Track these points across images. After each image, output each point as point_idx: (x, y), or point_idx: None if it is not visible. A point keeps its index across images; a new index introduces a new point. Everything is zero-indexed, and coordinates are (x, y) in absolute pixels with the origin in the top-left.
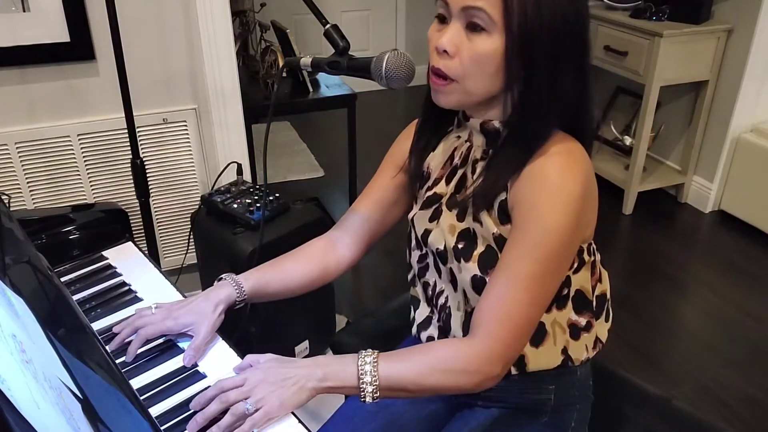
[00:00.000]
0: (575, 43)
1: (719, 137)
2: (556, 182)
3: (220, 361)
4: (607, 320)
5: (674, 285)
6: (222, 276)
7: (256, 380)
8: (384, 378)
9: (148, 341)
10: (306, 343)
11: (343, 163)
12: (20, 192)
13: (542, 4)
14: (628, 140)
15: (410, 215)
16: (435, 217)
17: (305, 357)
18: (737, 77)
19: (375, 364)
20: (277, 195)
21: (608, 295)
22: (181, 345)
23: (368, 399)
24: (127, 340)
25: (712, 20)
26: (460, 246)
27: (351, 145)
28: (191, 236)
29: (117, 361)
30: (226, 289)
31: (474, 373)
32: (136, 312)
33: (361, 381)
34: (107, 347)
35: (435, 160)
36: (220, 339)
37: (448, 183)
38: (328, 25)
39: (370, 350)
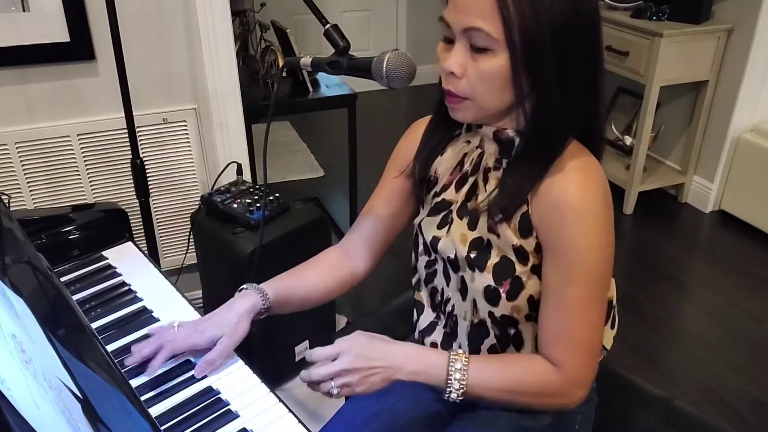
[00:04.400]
0: (582, 47)
1: (719, 137)
2: (580, 204)
3: (231, 377)
4: (612, 327)
5: (675, 285)
6: (243, 286)
7: (346, 364)
8: (472, 386)
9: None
10: (306, 343)
11: (343, 163)
12: (20, 192)
13: (540, 11)
14: (628, 140)
15: (417, 220)
16: (444, 224)
17: (305, 357)
18: (737, 77)
19: (465, 371)
20: (277, 195)
21: (615, 302)
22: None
23: (452, 397)
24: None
25: (712, 20)
26: (472, 255)
27: (351, 145)
28: (191, 236)
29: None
30: (251, 298)
31: (561, 396)
32: (155, 331)
33: (448, 384)
34: (126, 362)
35: (443, 165)
36: (236, 356)
37: (458, 190)
38: (328, 25)
39: (460, 351)
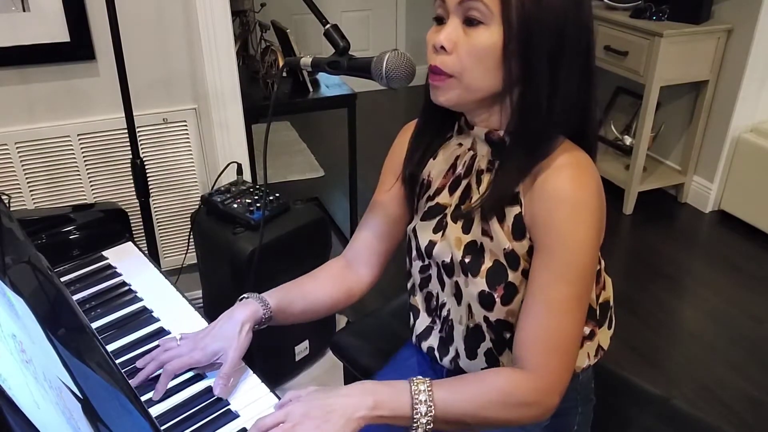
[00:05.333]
0: (577, 41)
1: (719, 137)
2: (573, 199)
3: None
4: (609, 327)
5: (674, 285)
6: (244, 295)
7: (299, 415)
8: (440, 408)
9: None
10: (306, 343)
11: (343, 163)
12: (20, 192)
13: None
14: (628, 140)
15: (410, 227)
16: (440, 228)
17: (305, 357)
18: (737, 77)
19: (430, 393)
20: (277, 195)
21: (611, 303)
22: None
23: (420, 430)
24: (152, 375)
25: (712, 20)
26: (467, 260)
27: (351, 145)
28: (191, 236)
29: (143, 398)
30: (251, 306)
31: (534, 405)
32: (160, 344)
33: (415, 411)
34: (130, 382)
35: (436, 169)
36: (247, 369)
37: (451, 193)
38: (328, 25)
39: (421, 377)
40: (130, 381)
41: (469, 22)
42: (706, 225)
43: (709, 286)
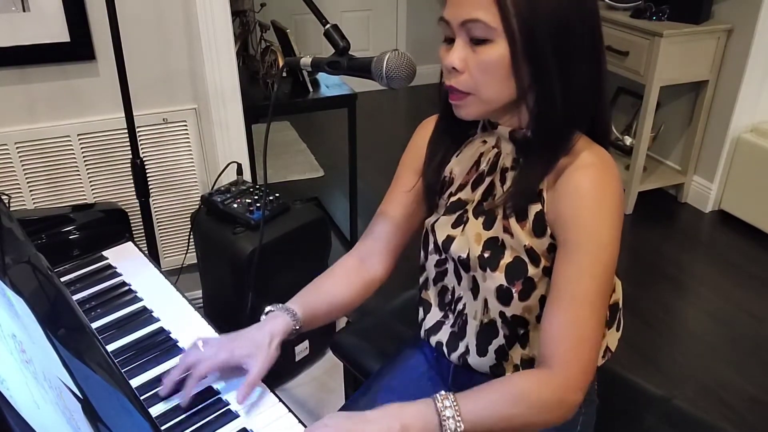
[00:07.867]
0: (583, 32)
1: (719, 137)
2: (597, 196)
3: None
4: (618, 329)
5: (674, 285)
6: (268, 309)
7: None
8: (469, 421)
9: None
10: (306, 343)
11: (343, 163)
12: (20, 192)
13: (536, 2)
14: (628, 140)
15: (429, 222)
16: (459, 223)
17: (305, 357)
18: (737, 77)
19: (456, 408)
20: (277, 195)
21: (620, 305)
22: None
23: None
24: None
25: (712, 20)
26: (486, 255)
27: (351, 145)
28: (191, 236)
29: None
30: (282, 320)
31: (559, 403)
32: (184, 353)
33: (444, 428)
34: (159, 393)
35: (459, 166)
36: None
37: (474, 190)
38: (328, 25)
39: (444, 392)
40: (158, 390)
41: (475, 41)
42: (706, 225)
43: (709, 285)
